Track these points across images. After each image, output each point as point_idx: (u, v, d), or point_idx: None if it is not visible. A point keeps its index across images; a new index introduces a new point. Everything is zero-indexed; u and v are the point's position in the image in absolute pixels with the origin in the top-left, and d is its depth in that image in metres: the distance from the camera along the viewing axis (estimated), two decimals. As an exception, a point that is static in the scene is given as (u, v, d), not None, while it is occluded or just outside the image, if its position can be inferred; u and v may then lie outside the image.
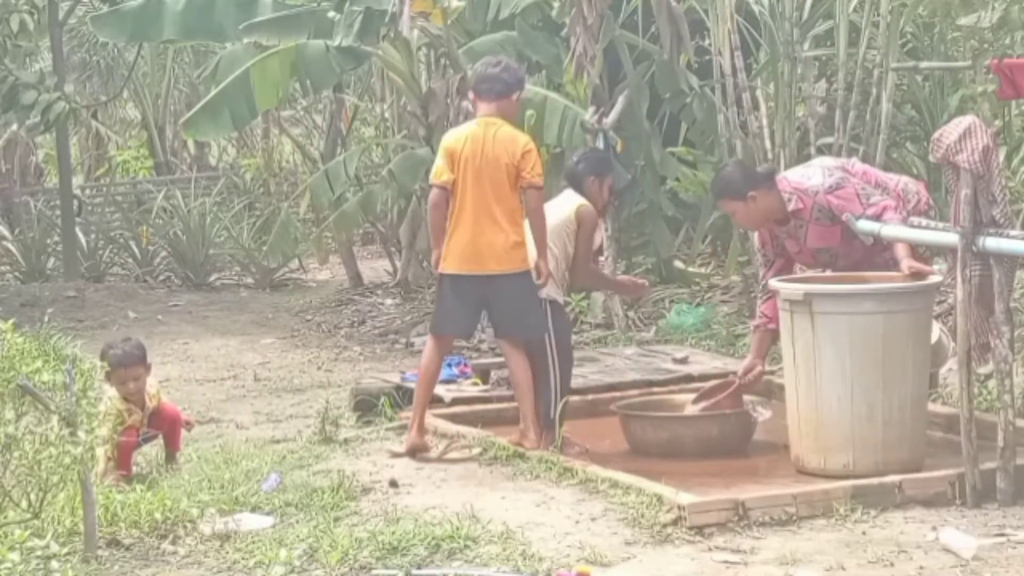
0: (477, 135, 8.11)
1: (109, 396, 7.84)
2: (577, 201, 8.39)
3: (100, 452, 7.24)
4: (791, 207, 8.14)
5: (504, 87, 8.16)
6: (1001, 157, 7.82)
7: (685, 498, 6.73)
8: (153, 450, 8.29)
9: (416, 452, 8.12)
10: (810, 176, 8.22)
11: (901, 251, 7.82)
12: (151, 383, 8.18)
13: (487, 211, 8.05)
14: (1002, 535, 6.45)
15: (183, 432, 8.37)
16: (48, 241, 17.95)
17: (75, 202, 18.38)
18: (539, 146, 12.14)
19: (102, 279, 17.12)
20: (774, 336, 8.32)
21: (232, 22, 13.44)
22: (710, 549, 6.37)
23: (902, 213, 7.97)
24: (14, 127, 19.70)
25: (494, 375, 9.41)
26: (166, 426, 8.15)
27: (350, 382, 10.23)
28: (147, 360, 8.16)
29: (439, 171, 8.17)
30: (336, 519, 6.90)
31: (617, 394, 9.04)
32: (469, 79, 8.73)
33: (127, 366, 7.98)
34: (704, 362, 10.03)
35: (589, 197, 8.42)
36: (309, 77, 13.17)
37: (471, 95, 8.56)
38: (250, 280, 16.73)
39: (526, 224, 8.15)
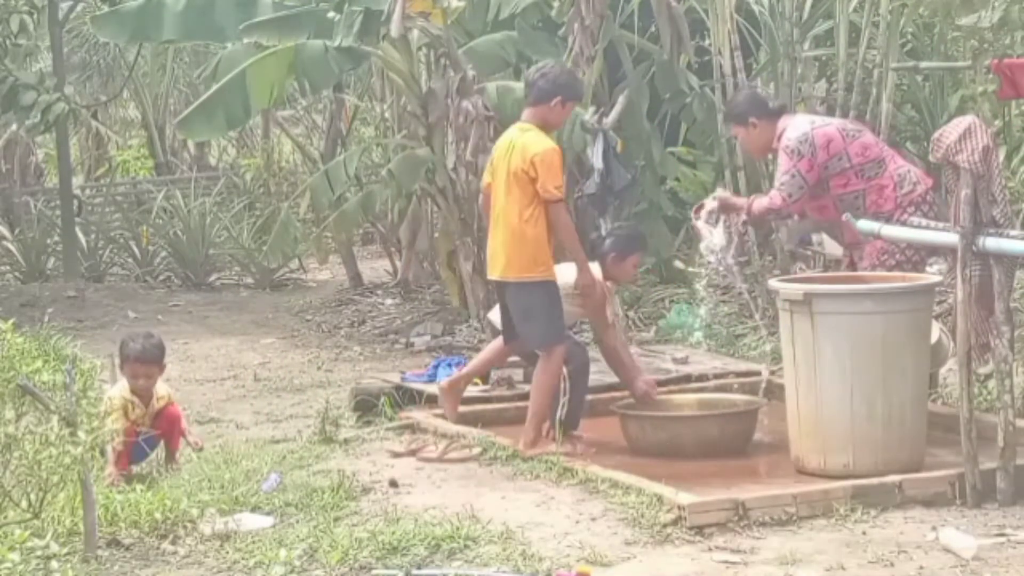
0: (506, 141, 8.18)
1: (110, 396, 7.86)
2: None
3: (108, 448, 7.35)
4: (776, 144, 8.44)
5: (538, 93, 8.13)
6: (1001, 157, 7.83)
7: (685, 498, 6.73)
8: (153, 450, 8.29)
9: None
10: (799, 128, 8.38)
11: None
12: (162, 386, 8.19)
13: (504, 217, 8.08)
14: (1002, 535, 6.45)
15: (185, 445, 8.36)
16: (48, 241, 17.94)
17: (75, 202, 18.38)
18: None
19: (102, 279, 17.12)
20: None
21: (232, 22, 13.43)
22: (710, 549, 6.37)
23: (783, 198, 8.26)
24: (14, 127, 19.71)
25: (494, 375, 9.40)
26: (166, 426, 8.15)
27: (350, 382, 10.22)
28: (163, 361, 8.19)
29: (485, 175, 8.44)
30: (336, 519, 6.89)
31: (617, 394, 9.02)
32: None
33: (143, 362, 8.03)
34: (704, 362, 10.03)
35: (608, 272, 8.49)
36: (308, 77, 13.15)
37: None
38: (250, 280, 16.73)
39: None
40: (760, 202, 8.49)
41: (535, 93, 8.14)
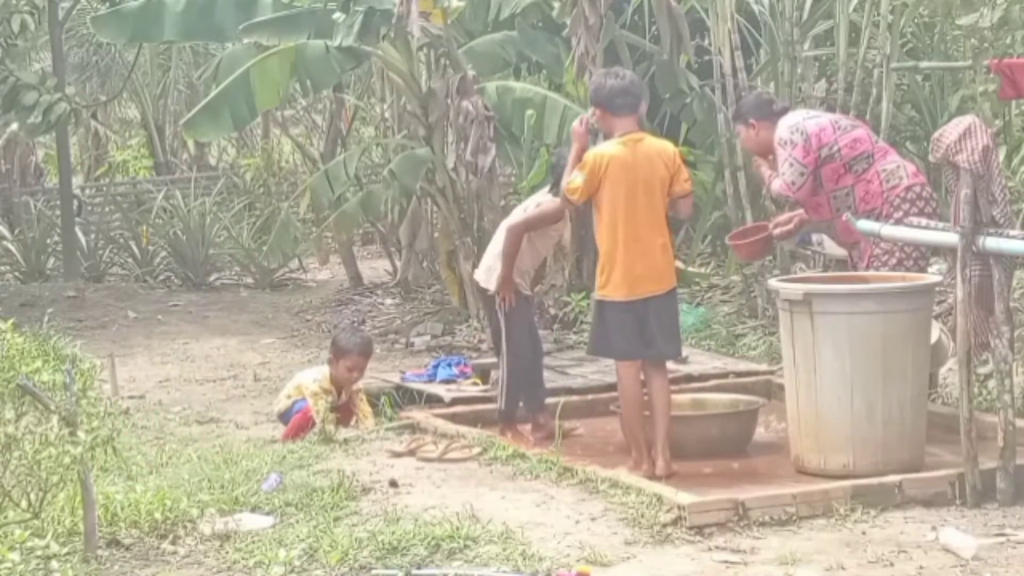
0: (628, 151, 8.20)
1: (305, 383, 8.82)
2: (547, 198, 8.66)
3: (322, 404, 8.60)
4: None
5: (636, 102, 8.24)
6: (1001, 157, 7.84)
7: (685, 498, 6.73)
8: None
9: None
10: (791, 119, 8.58)
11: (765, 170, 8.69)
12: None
13: (659, 228, 7.99)
14: (1002, 535, 6.45)
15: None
16: (48, 241, 17.95)
17: (75, 202, 18.39)
18: (539, 146, 12.26)
19: (102, 279, 17.12)
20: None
21: (232, 22, 13.44)
22: (710, 549, 6.37)
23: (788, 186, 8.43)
24: (14, 127, 19.72)
25: (494, 375, 9.40)
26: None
27: (350, 382, 10.21)
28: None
29: (584, 185, 8.11)
30: (336, 519, 6.89)
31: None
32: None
33: (365, 355, 8.87)
34: (704, 362, 10.03)
35: None
36: (309, 77, 13.17)
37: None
38: (250, 280, 16.74)
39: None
40: (775, 183, 8.59)
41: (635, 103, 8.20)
